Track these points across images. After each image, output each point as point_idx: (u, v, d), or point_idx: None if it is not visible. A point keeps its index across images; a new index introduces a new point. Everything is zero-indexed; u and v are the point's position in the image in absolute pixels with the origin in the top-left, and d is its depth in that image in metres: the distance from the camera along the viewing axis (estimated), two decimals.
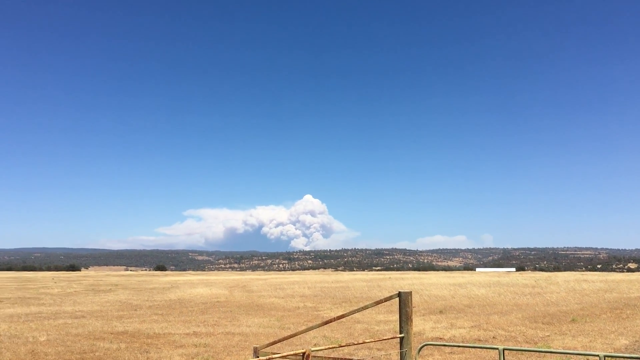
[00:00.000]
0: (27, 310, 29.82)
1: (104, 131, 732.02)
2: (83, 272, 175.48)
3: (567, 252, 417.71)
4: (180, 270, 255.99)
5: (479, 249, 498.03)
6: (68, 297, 41.44)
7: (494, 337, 18.45)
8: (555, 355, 14.17)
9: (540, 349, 9.23)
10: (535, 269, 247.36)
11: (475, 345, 9.36)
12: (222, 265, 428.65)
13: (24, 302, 35.66)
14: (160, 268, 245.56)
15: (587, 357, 13.89)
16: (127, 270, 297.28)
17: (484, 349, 15.35)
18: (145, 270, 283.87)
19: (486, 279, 57.57)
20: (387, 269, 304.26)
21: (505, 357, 13.97)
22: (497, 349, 6.86)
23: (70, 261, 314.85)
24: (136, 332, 20.65)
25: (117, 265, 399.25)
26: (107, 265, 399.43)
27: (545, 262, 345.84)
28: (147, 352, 15.76)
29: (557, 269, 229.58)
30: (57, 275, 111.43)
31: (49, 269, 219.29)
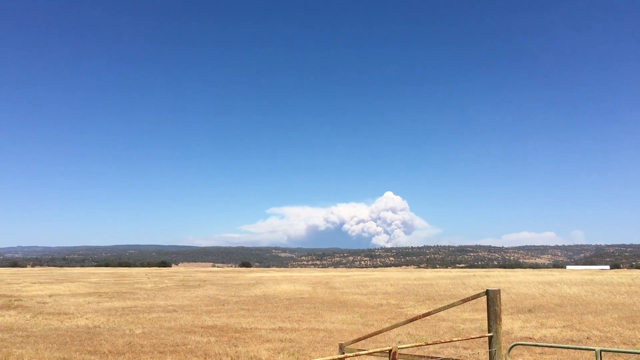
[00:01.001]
0: (124, 304, 31.50)
1: (191, 135, 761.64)
2: (173, 268, 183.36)
3: None
4: (264, 267, 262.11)
5: (569, 246, 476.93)
6: (160, 292, 43.40)
7: (588, 338, 17.60)
8: None
9: None
10: (631, 267, 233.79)
11: (569, 345, 8.98)
12: (305, 262, 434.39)
13: (120, 297, 37.70)
14: (245, 264, 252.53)
15: None
16: (214, 266, 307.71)
17: (579, 350, 14.68)
18: (231, 266, 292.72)
19: (578, 277, 54.95)
20: (471, 266, 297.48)
21: (602, 359, 13.30)
22: (593, 350, 6.54)
23: (162, 258, 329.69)
24: (224, 326, 21.32)
25: (205, 262, 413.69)
26: (195, 262, 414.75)
27: None
28: (235, 345, 16.24)
29: None
30: (149, 271, 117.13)
31: (142, 265, 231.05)
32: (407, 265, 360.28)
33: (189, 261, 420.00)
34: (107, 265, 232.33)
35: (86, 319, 23.96)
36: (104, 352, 15.17)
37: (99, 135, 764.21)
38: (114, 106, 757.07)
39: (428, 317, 22.57)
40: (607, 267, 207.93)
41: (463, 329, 20.38)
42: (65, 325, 21.63)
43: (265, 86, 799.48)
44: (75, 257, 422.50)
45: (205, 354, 14.88)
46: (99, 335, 18.50)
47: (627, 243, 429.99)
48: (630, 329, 19.38)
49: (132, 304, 32.07)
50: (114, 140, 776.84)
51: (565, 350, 14.85)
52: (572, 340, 17.25)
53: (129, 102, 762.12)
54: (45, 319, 24.10)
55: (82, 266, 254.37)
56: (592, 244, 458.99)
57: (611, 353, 14.23)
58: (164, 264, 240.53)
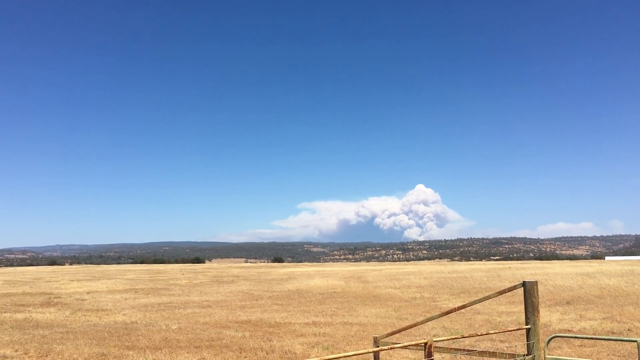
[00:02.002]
0: (159, 300, 31.99)
1: (223, 133, 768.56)
2: (207, 264, 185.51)
3: None
4: (296, 262, 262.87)
5: (607, 236, 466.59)
6: (195, 287, 43.95)
7: (629, 330, 17.16)
8: None
9: None
10: None
11: (610, 337, 8.74)
12: (337, 257, 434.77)
13: (156, 293, 38.30)
14: (278, 260, 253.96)
15: None
16: (246, 262, 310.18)
17: (619, 342, 14.31)
18: (264, 262, 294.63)
19: (617, 268, 53.63)
20: (506, 258, 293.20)
21: None
22: (635, 341, 6.34)
23: (195, 254, 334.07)
24: (259, 321, 21.46)
25: (237, 258, 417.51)
26: (228, 258, 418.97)
27: None
28: (269, 340, 16.32)
29: None
30: (184, 267, 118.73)
31: (176, 262, 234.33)
32: (440, 258, 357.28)
33: (222, 257, 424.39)
34: (142, 262, 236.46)
35: (123, 315, 24.41)
36: (142, 347, 15.40)
37: (134, 135, 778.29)
38: (143, 107, 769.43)
39: (463, 311, 22.32)
40: None
41: (499, 322, 20.10)
42: (103, 322, 22.07)
43: (295, 83, 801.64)
44: (112, 254, 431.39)
45: (241, 349, 14.98)
46: (136, 331, 18.82)
47: None
48: None
49: (168, 299, 32.54)
50: (148, 140, 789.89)
51: (606, 342, 14.51)
52: (613, 332, 16.85)
53: (161, 101, 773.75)
54: (84, 315, 24.64)
55: (118, 263, 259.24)
56: (632, 234, 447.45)
57: None
58: (198, 260, 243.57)
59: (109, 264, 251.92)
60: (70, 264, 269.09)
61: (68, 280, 58.74)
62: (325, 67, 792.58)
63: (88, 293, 38.90)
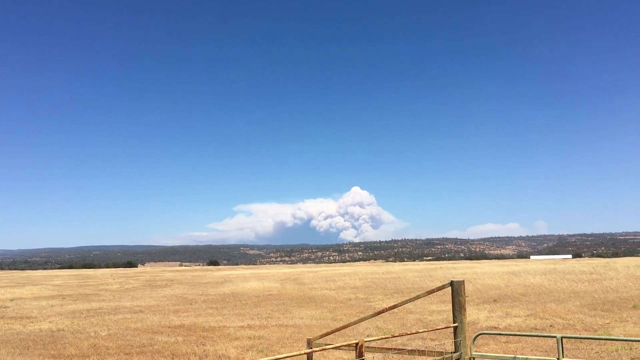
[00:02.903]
0: (89, 306, 30.92)
1: (157, 135, 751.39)
2: (140, 269, 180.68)
3: (627, 237, 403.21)
4: (232, 265, 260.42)
5: (532, 237, 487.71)
6: (126, 292, 42.75)
7: (551, 326, 18.02)
8: (616, 342, 13.72)
9: (600, 337, 8.96)
10: (592, 256, 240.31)
11: (533, 334, 9.16)
12: (273, 259, 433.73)
13: (85, 299, 36.99)
14: (213, 263, 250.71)
15: None
16: (181, 265, 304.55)
17: (542, 338, 15.00)
18: (199, 265, 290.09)
19: (541, 267, 56.16)
20: (438, 258, 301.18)
21: (564, 346, 13.63)
22: (555, 337, 6.68)
23: (127, 258, 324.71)
24: (192, 325, 21.13)
25: (172, 261, 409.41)
26: (162, 261, 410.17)
27: (603, 248, 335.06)
28: (203, 344, 16.11)
29: (615, 254, 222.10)
30: (115, 272, 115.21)
31: (107, 266, 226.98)
32: (375, 259, 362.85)
33: (155, 261, 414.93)
34: (70, 267, 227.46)
35: (49, 322, 23.44)
36: (68, 356, 14.86)
37: (59, 135, 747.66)
38: (68, 106, 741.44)
39: (396, 310, 22.78)
40: (569, 256, 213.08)
41: (430, 320, 20.64)
42: (27, 329, 21.12)
43: (230, 84, 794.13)
44: (38, 259, 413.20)
45: (173, 354, 14.71)
46: (63, 339, 18.12)
47: (588, 232, 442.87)
48: (591, 316, 19.91)
49: (97, 305, 31.51)
50: (76, 141, 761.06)
51: (529, 338, 15.18)
52: (536, 329, 17.64)
53: (96, 101, 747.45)
54: (7, 323, 23.47)
55: (44, 269, 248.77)
56: (555, 234, 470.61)
57: (573, 339, 14.60)
58: (130, 265, 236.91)
59: (35, 269, 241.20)
60: None
61: None
62: (260, 69, 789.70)
63: (11, 300, 37.08)
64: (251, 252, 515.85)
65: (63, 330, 20.71)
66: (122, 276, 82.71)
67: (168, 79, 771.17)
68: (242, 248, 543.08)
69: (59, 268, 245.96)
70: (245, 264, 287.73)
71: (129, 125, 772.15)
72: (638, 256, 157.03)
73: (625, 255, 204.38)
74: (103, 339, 17.80)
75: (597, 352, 13.11)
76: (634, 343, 13.57)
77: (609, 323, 18.04)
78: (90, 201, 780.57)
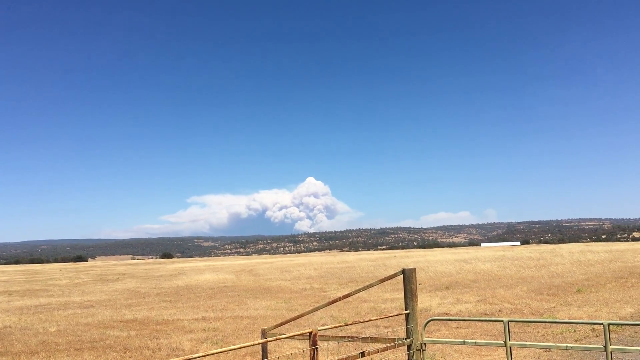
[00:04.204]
0: (37, 302, 30.06)
1: (105, 124, 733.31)
2: (90, 263, 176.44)
3: (572, 224, 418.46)
4: (186, 257, 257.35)
5: (483, 224, 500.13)
6: (76, 287, 41.74)
7: (499, 311, 18.57)
8: (561, 325, 14.27)
9: (545, 320, 9.32)
10: (539, 242, 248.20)
11: (481, 318, 9.43)
12: (228, 251, 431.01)
13: (33, 294, 35.93)
14: (167, 256, 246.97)
15: (592, 326, 13.99)
16: (133, 259, 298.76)
17: (490, 322, 15.45)
18: (152, 258, 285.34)
19: (491, 254, 57.73)
20: (392, 247, 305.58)
21: (511, 330, 14.08)
22: (502, 321, 6.91)
23: (77, 252, 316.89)
24: (145, 319, 20.83)
25: (124, 255, 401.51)
26: (113, 255, 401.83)
27: (549, 235, 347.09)
28: (156, 338, 15.92)
29: (561, 241, 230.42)
30: (64, 267, 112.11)
31: (56, 261, 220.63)
32: (330, 249, 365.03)
33: (106, 255, 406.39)
34: (17, 263, 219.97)
35: None
36: (16, 353, 14.44)
37: (4, 127, 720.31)
38: (26, 98, 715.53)
39: (351, 299, 23.01)
40: (518, 243, 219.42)
41: (384, 308, 20.95)
42: None
43: (182, 74, 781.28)
44: None
45: (125, 348, 14.49)
46: (10, 336, 17.58)
47: (536, 220, 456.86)
48: (537, 301, 20.63)
49: (46, 301, 30.66)
50: (23, 131, 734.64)
51: (479, 323, 15.61)
52: (485, 314, 18.15)
53: (40, 93, 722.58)
54: None
55: None
56: (504, 222, 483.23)
57: (520, 323, 15.11)
58: (80, 259, 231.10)
59: None
60: None
61: None
62: (210, 60, 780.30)
63: None
64: (205, 244, 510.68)
65: (10, 327, 20.08)
66: (72, 271, 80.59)
67: (123, 70, 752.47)
68: (196, 240, 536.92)
69: (5, 263, 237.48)
70: (199, 257, 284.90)
71: (78, 115, 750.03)
72: (583, 242, 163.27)
73: (570, 241, 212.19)
74: (52, 335, 17.36)
75: (543, 335, 13.60)
76: (578, 325, 14.14)
77: (554, 307, 18.72)
78: (37, 194, 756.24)
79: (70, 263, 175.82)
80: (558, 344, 7.19)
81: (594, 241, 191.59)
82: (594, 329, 13.74)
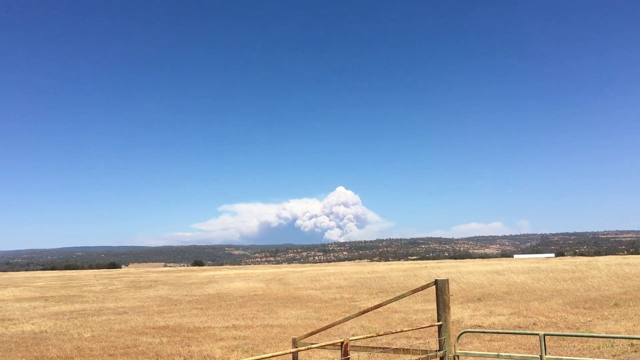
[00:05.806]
0: (72, 308, 30.63)
1: (140, 133, 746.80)
2: (123, 270, 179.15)
3: (608, 236, 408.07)
4: (217, 265, 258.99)
5: (516, 236, 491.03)
6: (110, 294, 42.40)
7: (534, 324, 18.20)
8: (598, 340, 13.91)
9: (582, 334, 9.08)
10: (575, 254, 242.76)
11: (516, 331, 9.25)
12: (258, 259, 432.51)
13: (68, 300, 36.63)
14: (198, 263, 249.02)
15: (630, 340, 13.59)
16: (165, 266, 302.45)
17: (525, 335, 15.15)
18: (183, 265, 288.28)
19: (524, 266, 56.66)
20: (422, 258, 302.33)
21: (547, 343, 13.78)
22: (537, 334, 6.77)
23: (111, 259, 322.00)
24: (177, 326, 21.03)
25: (156, 262, 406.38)
26: (146, 262, 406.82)
27: (585, 247, 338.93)
28: (188, 345, 16.05)
29: (597, 253, 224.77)
30: (98, 273, 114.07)
31: (90, 267, 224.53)
32: (360, 259, 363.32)
33: (139, 262, 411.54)
34: (53, 269, 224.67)
35: (32, 324, 23.18)
36: (52, 358, 14.72)
37: (43, 135, 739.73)
38: (55, 108, 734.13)
39: (381, 310, 22.85)
40: (552, 255, 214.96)
41: (415, 319, 20.74)
42: (10, 332, 20.88)
43: (214, 84, 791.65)
44: (20, 261, 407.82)
45: (157, 355, 14.64)
46: (46, 340, 17.94)
47: (571, 231, 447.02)
48: (573, 314, 20.15)
49: (81, 307, 31.22)
50: (59, 140, 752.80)
51: (513, 336, 15.32)
52: (519, 327, 17.81)
53: (81, 100, 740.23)
54: None
55: (26, 270, 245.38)
56: (538, 233, 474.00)
57: (555, 337, 14.77)
58: (114, 266, 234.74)
59: (17, 271, 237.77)
60: None
61: None
62: (247, 71, 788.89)
63: None
64: (236, 252, 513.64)
65: (46, 332, 20.51)
66: (106, 277, 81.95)
67: (157, 80, 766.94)
68: (226, 248, 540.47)
69: (42, 269, 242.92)
70: (230, 264, 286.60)
71: (113, 125, 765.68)
72: (619, 254, 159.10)
73: (607, 253, 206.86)
74: (86, 341, 17.65)
75: (579, 350, 13.27)
76: (615, 340, 13.77)
77: (590, 321, 18.26)
78: (73, 202, 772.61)
79: (104, 269, 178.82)
80: (595, 359, 7.00)
81: (632, 254, 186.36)
82: (632, 344, 13.34)
